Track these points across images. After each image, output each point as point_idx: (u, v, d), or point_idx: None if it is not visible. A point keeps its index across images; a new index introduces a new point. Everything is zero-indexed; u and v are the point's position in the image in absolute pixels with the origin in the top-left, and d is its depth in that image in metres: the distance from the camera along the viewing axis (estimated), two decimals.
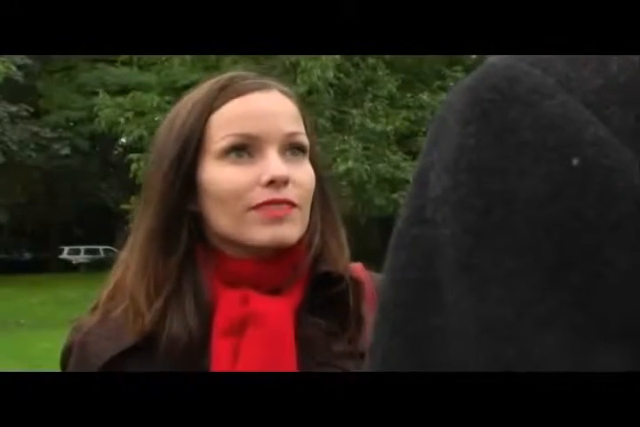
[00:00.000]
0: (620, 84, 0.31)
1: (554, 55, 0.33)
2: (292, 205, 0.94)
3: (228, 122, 0.95)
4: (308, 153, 0.99)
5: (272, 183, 0.93)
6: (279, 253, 0.96)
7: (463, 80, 0.36)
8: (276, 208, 0.94)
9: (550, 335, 0.30)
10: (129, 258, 0.99)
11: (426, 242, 0.34)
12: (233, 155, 0.95)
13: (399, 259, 0.35)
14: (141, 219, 0.99)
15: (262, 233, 0.93)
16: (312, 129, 1.02)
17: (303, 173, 0.97)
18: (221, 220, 0.95)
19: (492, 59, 0.36)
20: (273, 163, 0.94)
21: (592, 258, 0.30)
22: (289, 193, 0.94)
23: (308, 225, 0.98)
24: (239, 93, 0.96)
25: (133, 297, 0.95)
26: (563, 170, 0.31)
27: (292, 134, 0.97)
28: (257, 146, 0.95)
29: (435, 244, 0.33)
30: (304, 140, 0.98)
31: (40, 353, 8.18)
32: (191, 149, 0.96)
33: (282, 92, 0.99)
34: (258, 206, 0.93)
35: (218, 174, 0.95)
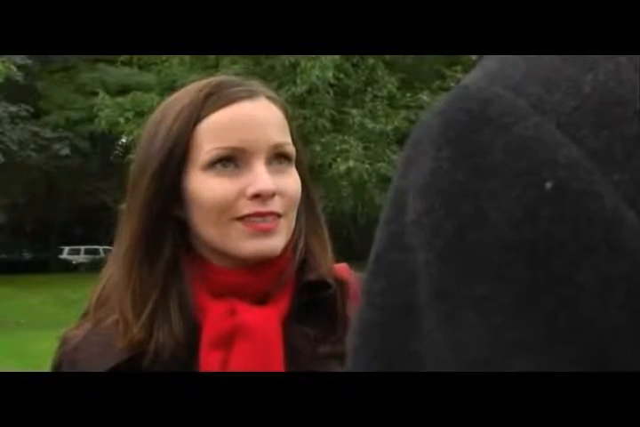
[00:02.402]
0: (593, 106, 0.31)
1: (526, 77, 0.33)
2: (278, 216, 0.94)
3: (214, 133, 0.94)
4: (293, 161, 0.98)
5: (258, 196, 0.92)
6: (265, 263, 0.95)
7: (437, 103, 0.36)
8: (261, 221, 0.93)
9: (522, 361, 0.30)
10: (114, 265, 0.98)
11: (403, 268, 0.34)
12: (219, 165, 0.94)
13: (379, 284, 0.35)
14: (126, 225, 0.97)
15: (248, 246, 0.93)
16: (297, 134, 1.01)
17: (289, 183, 0.96)
18: (206, 229, 0.94)
19: (464, 82, 0.36)
20: (260, 176, 0.93)
21: (563, 282, 0.29)
22: (275, 205, 0.93)
23: (293, 232, 0.98)
24: (226, 102, 0.94)
25: (120, 307, 0.94)
26: (535, 193, 0.30)
27: (279, 145, 0.96)
28: (244, 157, 0.94)
29: (411, 270, 0.33)
30: (291, 149, 0.97)
31: (40, 353, 8.17)
32: (176, 158, 0.94)
33: (269, 98, 0.97)
34: (242, 218, 0.93)
35: (203, 185, 0.94)
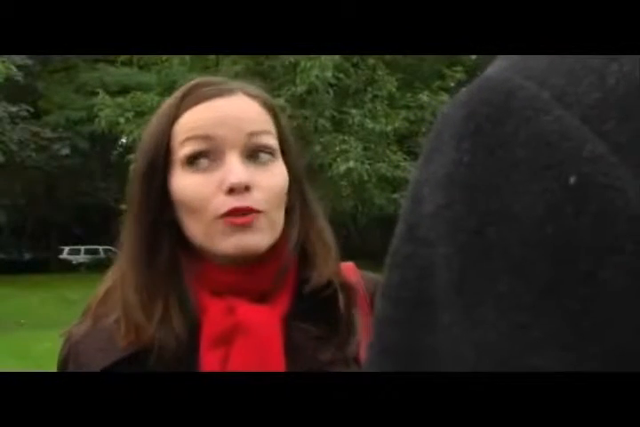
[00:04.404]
0: (618, 99, 0.31)
1: (549, 68, 0.33)
2: (256, 211, 0.93)
3: (187, 129, 0.96)
4: (277, 155, 0.97)
5: (232, 191, 0.92)
6: (257, 260, 0.95)
7: (459, 93, 0.35)
8: (239, 215, 0.93)
9: (543, 360, 0.29)
10: (121, 268, 0.99)
11: (419, 261, 0.33)
12: (196, 162, 0.95)
13: (394, 277, 0.35)
14: (126, 229, 0.99)
15: (227, 243, 0.93)
16: (289, 130, 1.01)
17: (269, 177, 0.95)
18: (192, 228, 0.95)
19: (488, 72, 0.35)
20: (232, 169, 0.93)
21: (587, 280, 0.29)
22: (252, 200, 0.93)
23: (288, 230, 0.98)
24: (199, 100, 0.96)
25: (124, 307, 0.95)
26: (559, 188, 0.30)
27: (254, 134, 0.95)
28: (217, 151, 0.94)
29: (428, 263, 0.33)
30: (269, 140, 0.97)
31: (40, 353, 8.18)
32: (160, 160, 0.96)
33: (247, 94, 0.98)
34: (222, 216, 0.93)
35: (183, 183, 0.95)
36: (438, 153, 0.34)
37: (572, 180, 0.30)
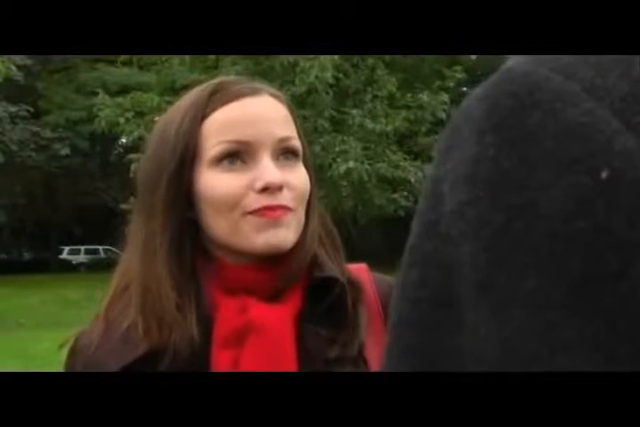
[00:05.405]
0: None
1: (576, 60, 0.32)
2: (288, 209, 0.94)
3: (220, 128, 0.95)
4: (301, 157, 0.98)
5: (266, 190, 0.93)
6: (276, 259, 0.95)
7: (479, 87, 0.34)
8: (271, 212, 0.93)
9: (576, 360, 0.28)
10: (144, 273, 0.96)
11: (440, 259, 0.32)
12: (226, 162, 0.94)
13: (411, 276, 0.34)
14: (149, 232, 0.97)
15: (259, 238, 0.93)
16: (302, 132, 1.02)
17: (297, 177, 0.96)
18: (218, 227, 0.95)
19: (509, 64, 0.34)
20: (267, 169, 0.93)
21: (620, 277, 0.28)
22: (283, 198, 0.93)
23: (303, 229, 0.98)
24: (230, 99, 0.95)
25: (163, 308, 0.93)
26: (590, 183, 0.29)
27: (285, 139, 0.96)
28: (250, 152, 0.94)
29: (450, 261, 0.32)
30: (297, 144, 0.98)
31: (40, 353, 8.17)
32: (189, 157, 0.95)
33: (272, 95, 0.98)
34: (253, 212, 0.93)
35: (212, 182, 0.94)
36: (457, 149, 0.33)
37: (604, 174, 0.29)
